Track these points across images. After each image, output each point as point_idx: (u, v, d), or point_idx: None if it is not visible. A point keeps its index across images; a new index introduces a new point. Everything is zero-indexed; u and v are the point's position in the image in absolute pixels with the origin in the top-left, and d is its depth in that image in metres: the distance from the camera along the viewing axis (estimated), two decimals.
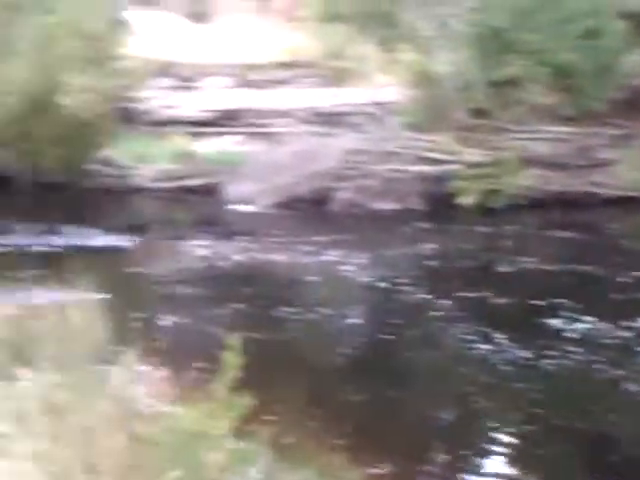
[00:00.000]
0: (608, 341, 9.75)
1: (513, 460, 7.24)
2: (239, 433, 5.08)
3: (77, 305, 8.25)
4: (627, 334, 9.93)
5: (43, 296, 9.52)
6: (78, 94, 16.94)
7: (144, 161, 17.90)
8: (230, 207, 16.84)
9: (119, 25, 19.25)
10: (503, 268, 13.12)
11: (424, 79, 17.70)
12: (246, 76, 19.98)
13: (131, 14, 20.70)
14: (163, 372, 5.45)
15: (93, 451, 4.56)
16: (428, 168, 17.12)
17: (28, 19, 17.67)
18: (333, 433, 7.50)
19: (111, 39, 18.56)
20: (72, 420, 5.03)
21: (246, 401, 4.61)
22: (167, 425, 4.72)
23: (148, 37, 20.55)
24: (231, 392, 4.77)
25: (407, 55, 17.97)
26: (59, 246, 13.60)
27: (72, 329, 7.51)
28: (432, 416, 8.24)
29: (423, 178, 16.95)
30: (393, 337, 10.17)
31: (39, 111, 17.25)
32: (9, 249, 13.36)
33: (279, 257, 13.59)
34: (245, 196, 16.82)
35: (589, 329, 10.14)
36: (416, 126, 17.63)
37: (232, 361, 4.53)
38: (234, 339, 4.62)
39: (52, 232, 14.33)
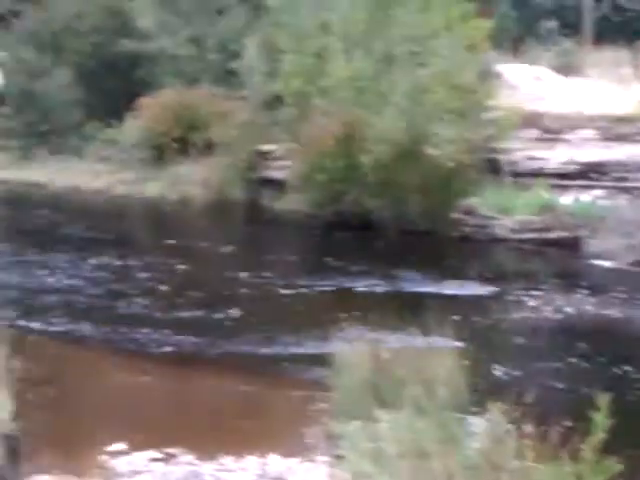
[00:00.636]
0: None
1: None
2: None
3: (434, 351, 8.42)
4: None
5: (401, 340, 9.78)
6: (446, 144, 17.40)
7: (505, 212, 17.97)
8: (589, 262, 16.48)
9: (489, 77, 19.58)
10: None
11: None
12: (613, 129, 19.55)
13: (501, 67, 21.00)
14: (524, 425, 5.42)
15: None
16: None
17: (402, 72, 18.42)
18: None
19: (480, 91, 18.90)
20: (433, 466, 5.12)
21: (615, 465, 4.50)
22: None
23: (516, 89, 20.70)
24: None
25: None
26: (414, 292, 13.94)
27: (430, 374, 7.68)
28: None
29: None
30: None
31: (407, 160, 17.87)
32: (365, 291, 13.92)
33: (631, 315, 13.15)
34: (606, 251, 16.38)
35: None
36: None
37: (601, 422, 4.45)
38: (602, 399, 4.53)
39: (405, 278, 14.72)
